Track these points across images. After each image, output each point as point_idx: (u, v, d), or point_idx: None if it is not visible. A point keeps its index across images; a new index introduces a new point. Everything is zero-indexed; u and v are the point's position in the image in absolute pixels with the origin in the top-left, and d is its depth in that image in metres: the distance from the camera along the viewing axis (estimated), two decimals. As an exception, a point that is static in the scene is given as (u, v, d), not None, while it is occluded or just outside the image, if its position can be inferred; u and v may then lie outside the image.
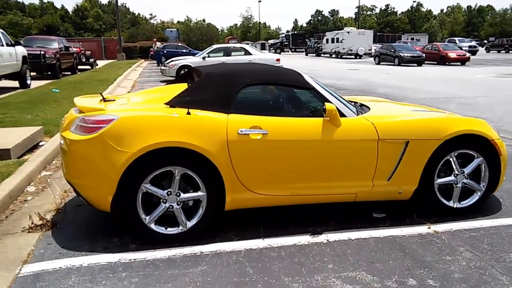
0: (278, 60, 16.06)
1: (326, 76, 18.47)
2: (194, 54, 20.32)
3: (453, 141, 3.57)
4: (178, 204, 3.19)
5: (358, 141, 3.44)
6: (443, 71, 21.41)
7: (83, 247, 3.14)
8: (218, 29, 79.70)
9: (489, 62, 29.14)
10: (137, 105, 3.61)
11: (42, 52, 15.11)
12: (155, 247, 3.12)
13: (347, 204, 3.71)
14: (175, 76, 14.90)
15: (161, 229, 3.19)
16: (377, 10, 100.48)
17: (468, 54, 28.02)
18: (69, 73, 18.91)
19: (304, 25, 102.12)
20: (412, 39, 57.91)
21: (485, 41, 63.73)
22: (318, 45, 45.65)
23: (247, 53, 16.28)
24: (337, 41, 39.83)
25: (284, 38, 65.93)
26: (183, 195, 3.19)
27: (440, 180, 3.67)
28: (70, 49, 19.03)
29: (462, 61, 26.92)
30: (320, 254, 3.07)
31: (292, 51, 59.51)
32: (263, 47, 51.90)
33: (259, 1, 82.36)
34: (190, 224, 3.22)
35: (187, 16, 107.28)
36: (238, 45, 19.84)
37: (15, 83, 12.72)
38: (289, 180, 3.38)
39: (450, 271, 2.83)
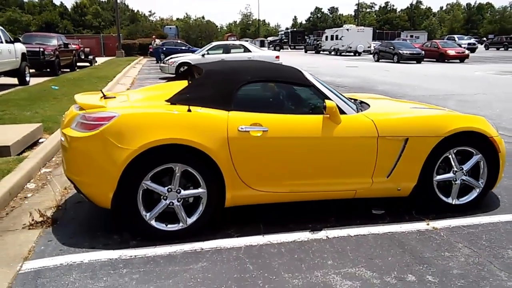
0: (277, 57, 16.08)
1: (326, 73, 18.47)
2: (193, 51, 20.33)
3: (452, 138, 3.59)
4: (178, 201, 3.20)
5: (357, 138, 3.46)
6: (442, 69, 21.41)
7: (83, 243, 3.15)
8: (217, 26, 79.41)
9: (488, 60, 29.14)
10: (137, 102, 3.61)
11: (41, 49, 15.09)
12: (155, 243, 3.14)
13: (346, 201, 3.73)
14: (175, 73, 14.92)
15: (161, 226, 3.20)
16: (377, 8, 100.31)
17: (467, 52, 28.05)
18: (68, 70, 18.85)
19: (304, 22, 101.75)
20: (412, 36, 57.65)
21: (484, 39, 63.63)
22: (317, 42, 45.56)
23: (247, 50, 16.30)
24: (337, 38, 39.79)
25: (283, 35, 65.87)
26: (183, 192, 3.20)
27: (439, 177, 3.69)
28: (69, 46, 19.03)
29: (461, 58, 26.93)
30: (319, 250, 3.08)
31: (291, 48, 59.45)
32: (262, 44, 51.72)
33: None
34: (190, 220, 3.24)
35: (186, 13, 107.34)
36: (237, 42, 19.87)
37: (14, 80, 12.71)
38: (289, 177, 3.39)
39: (449, 267, 2.85)
